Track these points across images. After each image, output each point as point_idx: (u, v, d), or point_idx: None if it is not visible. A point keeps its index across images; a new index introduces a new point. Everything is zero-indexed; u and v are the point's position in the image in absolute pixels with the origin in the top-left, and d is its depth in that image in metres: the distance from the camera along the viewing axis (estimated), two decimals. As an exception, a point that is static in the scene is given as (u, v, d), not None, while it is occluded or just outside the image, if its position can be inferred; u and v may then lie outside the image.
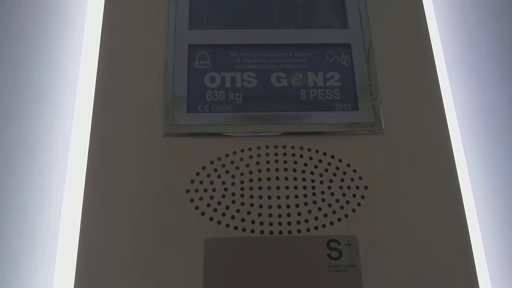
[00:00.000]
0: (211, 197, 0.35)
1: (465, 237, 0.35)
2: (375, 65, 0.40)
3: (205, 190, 0.35)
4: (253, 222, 0.34)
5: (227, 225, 0.34)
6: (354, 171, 0.36)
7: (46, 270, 0.35)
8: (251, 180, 0.36)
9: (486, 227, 0.40)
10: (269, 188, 0.35)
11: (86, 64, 0.43)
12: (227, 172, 0.36)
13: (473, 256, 0.35)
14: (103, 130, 0.37)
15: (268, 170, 0.36)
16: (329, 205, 0.35)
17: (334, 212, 0.35)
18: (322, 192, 0.36)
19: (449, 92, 0.45)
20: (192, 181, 0.35)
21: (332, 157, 0.37)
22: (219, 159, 0.36)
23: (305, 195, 0.35)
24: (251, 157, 0.36)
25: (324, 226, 0.35)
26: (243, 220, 0.34)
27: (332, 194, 0.36)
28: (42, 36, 0.38)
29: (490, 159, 0.40)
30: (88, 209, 0.35)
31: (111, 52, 0.39)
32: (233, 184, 0.35)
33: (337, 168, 0.36)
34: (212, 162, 0.36)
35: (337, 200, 0.35)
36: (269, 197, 0.35)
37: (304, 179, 0.36)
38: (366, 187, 0.36)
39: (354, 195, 0.36)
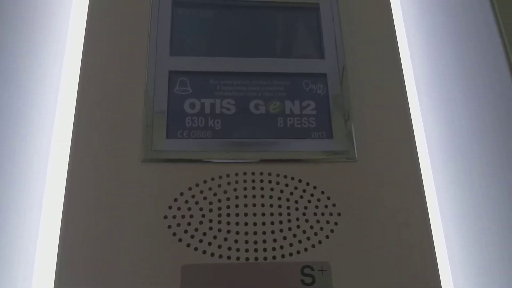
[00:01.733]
0: (189, 224, 0.36)
1: (434, 263, 0.36)
2: (349, 94, 0.41)
3: (183, 217, 0.36)
4: (229, 248, 0.35)
5: (204, 252, 0.35)
6: (328, 198, 0.38)
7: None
8: (228, 207, 0.36)
9: (455, 252, 0.41)
10: (245, 214, 0.36)
11: (65, 89, 0.43)
12: (205, 198, 0.37)
13: (440, 282, 0.36)
14: (81, 156, 0.37)
15: (245, 196, 0.37)
16: (304, 232, 0.36)
17: (308, 238, 0.36)
18: (297, 219, 0.37)
19: (420, 120, 0.47)
20: (170, 207, 0.36)
21: (307, 184, 0.38)
22: (197, 185, 0.37)
23: (281, 222, 0.36)
24: (229, 183, 0.37)
25: (298, 252, 0.36)
26: (219, 246, 0.35)
27: (307, 220, 0.37)
28: (22, 63, 0.38)
29: (460, 186, 0.41)
30: (66, 235, 0.35)
31: (91, 77, 0.40)
32: (210, 210, 0.36)
33: (312, 195, 0.38)
34: (190, 188, 0.37)
35: (311, 227, 0.37)
36: (246, 224, 0.36)
37: (280, 206, 0.37)
38: (339, 214, 0.37)
39: (327, 222, 0.37)
